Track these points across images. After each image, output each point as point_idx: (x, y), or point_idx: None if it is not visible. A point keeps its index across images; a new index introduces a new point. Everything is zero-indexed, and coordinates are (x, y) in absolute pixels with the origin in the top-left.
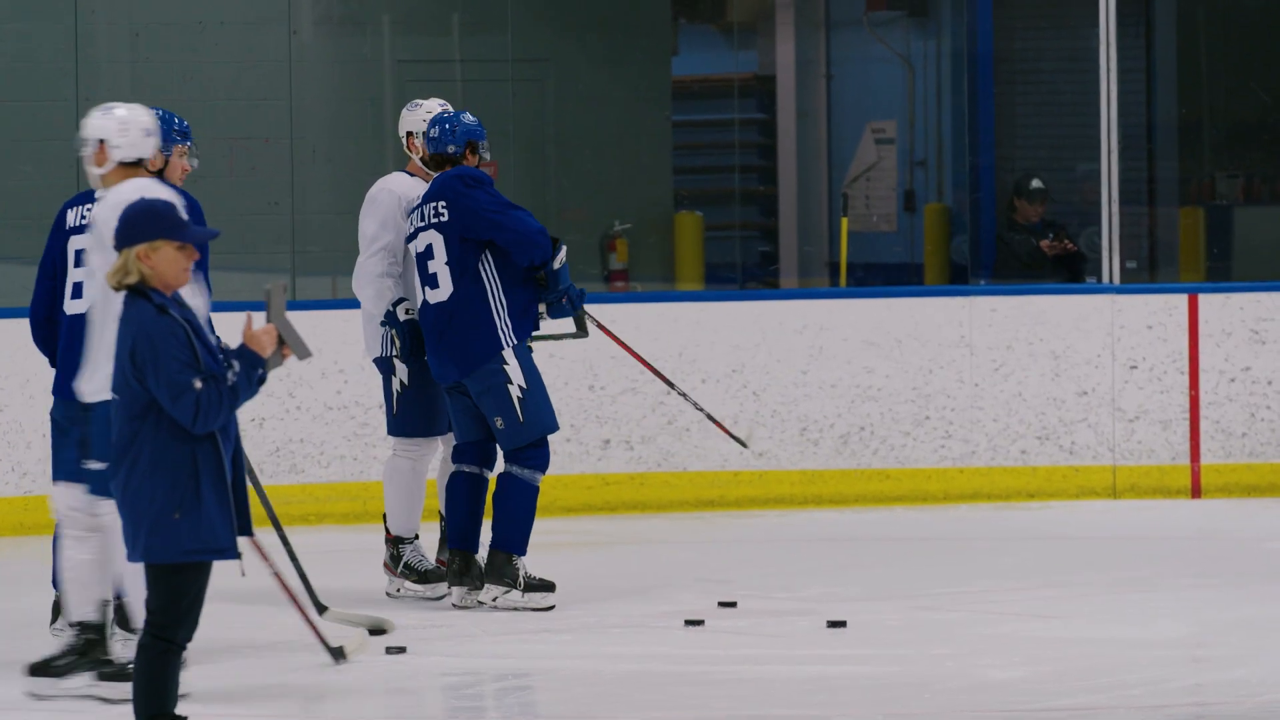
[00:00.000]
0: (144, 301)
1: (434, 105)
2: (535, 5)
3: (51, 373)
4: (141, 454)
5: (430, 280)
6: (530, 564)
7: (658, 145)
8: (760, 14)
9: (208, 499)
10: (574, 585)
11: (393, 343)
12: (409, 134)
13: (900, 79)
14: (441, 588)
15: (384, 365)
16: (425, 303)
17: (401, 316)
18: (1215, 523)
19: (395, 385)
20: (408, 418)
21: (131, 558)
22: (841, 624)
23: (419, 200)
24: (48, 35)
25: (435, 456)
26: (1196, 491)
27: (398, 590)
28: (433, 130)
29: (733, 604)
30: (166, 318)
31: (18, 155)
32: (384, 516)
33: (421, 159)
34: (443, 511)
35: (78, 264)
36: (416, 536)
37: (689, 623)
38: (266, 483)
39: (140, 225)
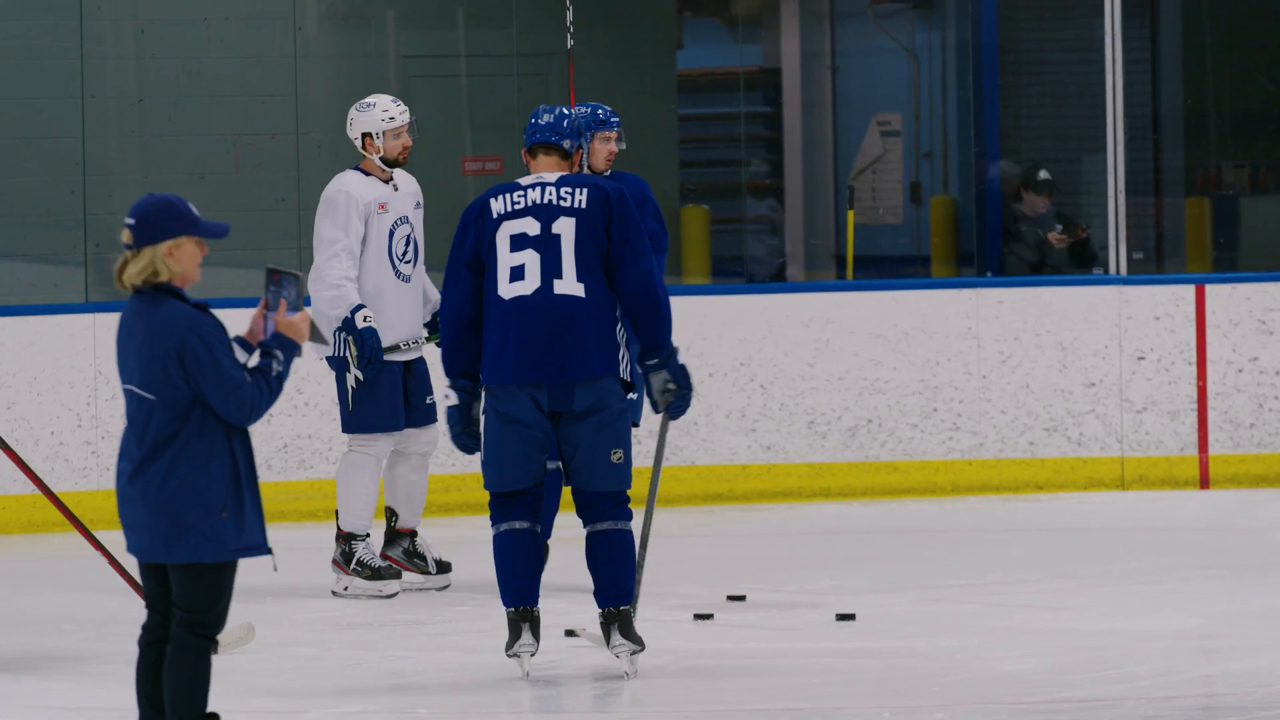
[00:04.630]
0: (177, 301)
1: (386, 103)
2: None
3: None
4: (184, 453)
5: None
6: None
7: (663, 139)
8: (765, 7)
9: (246, 495)
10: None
11: (348, 348)
12: (366, 135)
13: (905, 71)
14: (393, 585)
15: (337, 363)
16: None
17: (360, 324)
18: (1223, 513)
19: (350, 381)
20: (365, 414)
21: (171, 558)
22: (851, 617)
23: (375, 201)
24: (52, 33)
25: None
26: (1205, 482)
27: (344, 588)
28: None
29: (741, 597)
30: (209, 315)
31: (23, 153)
32: (335, 514)
33: (382, 159)
34: (392, 507)
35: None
36: (368, 534)
37: (698, 616)
38: (276, 479)
39: (164, 221)
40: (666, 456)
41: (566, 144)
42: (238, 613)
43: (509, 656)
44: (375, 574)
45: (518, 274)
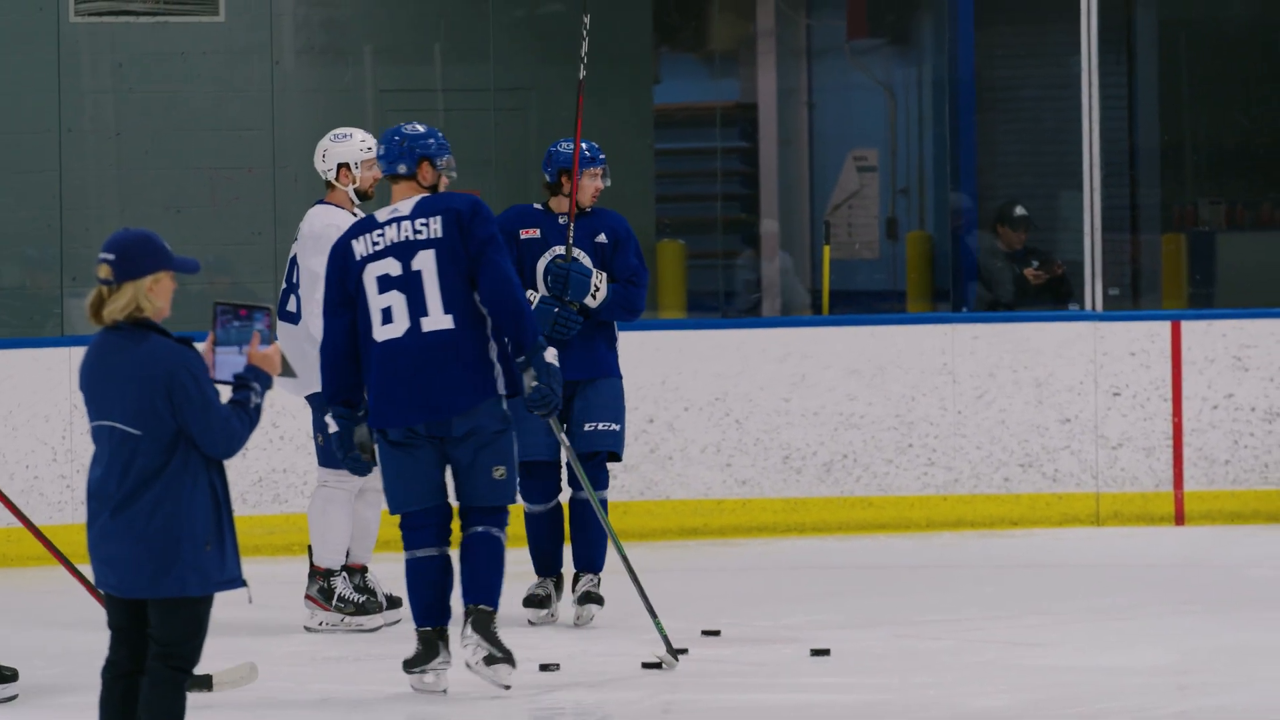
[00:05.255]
0: (159, 336)
1: (362, 133)
2: (517, 35)
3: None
4: (169, 487)
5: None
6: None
7: (640, 173)
8: (741, 42)
9: (225, 529)
10: (552, 616)
11: None
12: (343, 165)
13: (882, 107)
14: (375, 619)
15: (318, 397)
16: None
17: None
18: (1198, 550)
19: None
20: None
21: (156, 593)
22: (825, 652)
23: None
24: (30, 66)
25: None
26: (1180, 519)
27: (320, 624)
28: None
29: (716, 632)
30: (193, 350)
31: (1, 187)
32: (309, 549)
33: (355, 190)
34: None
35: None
36: (343, 568)
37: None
38: (251, 512)
39: (144, 257)
40: (642, 490)
41: (403, 168)
42: (211, 647)
43: (411, 672)
44: (359, 609)
45: (387, 317)
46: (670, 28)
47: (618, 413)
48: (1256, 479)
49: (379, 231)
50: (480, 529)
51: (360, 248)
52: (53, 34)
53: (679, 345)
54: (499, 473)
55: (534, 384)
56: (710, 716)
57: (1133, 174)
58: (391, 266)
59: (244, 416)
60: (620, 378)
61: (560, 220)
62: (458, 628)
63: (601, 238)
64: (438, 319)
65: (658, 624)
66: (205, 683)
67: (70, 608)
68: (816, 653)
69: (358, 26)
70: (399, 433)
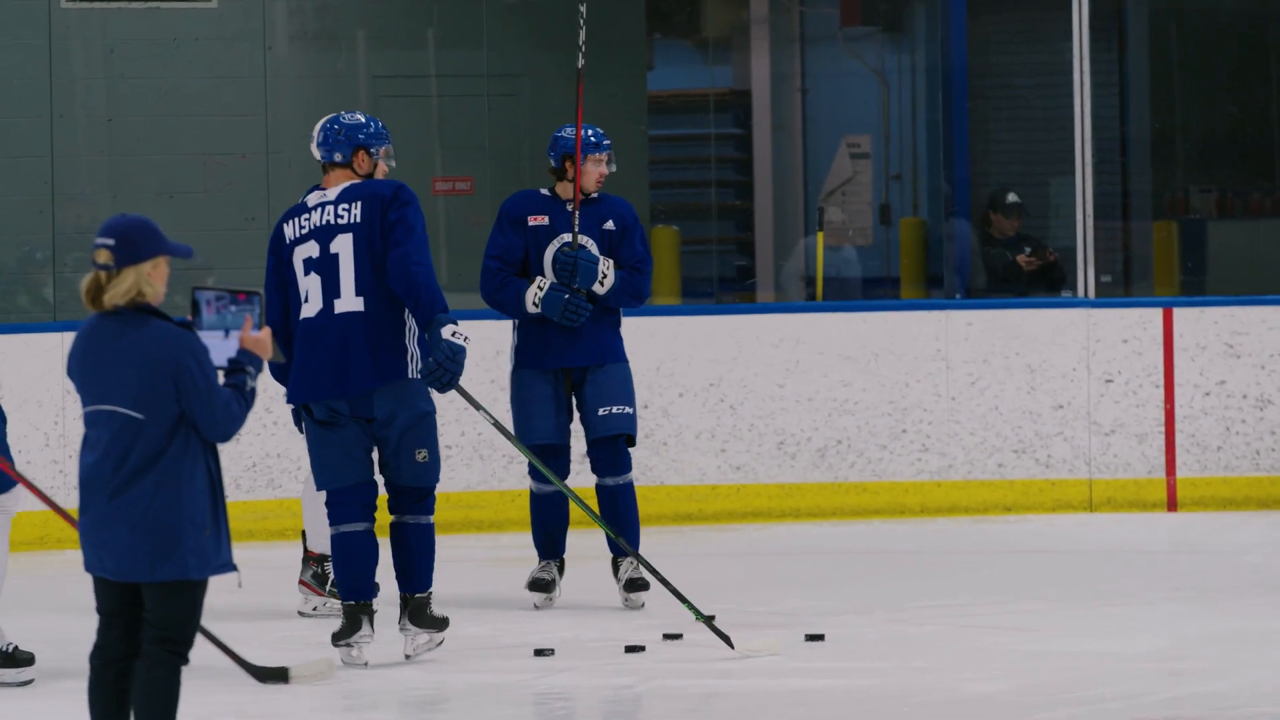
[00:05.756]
0: (161, 320)
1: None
2: (510, 20)
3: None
4: (169, 471)
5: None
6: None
7: (634, 160)
8: (735, 29)
9: (220, 512)
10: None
11: None
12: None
13: (875, 94)
14: None
15: None
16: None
17: None
18: (1191, 536)
19: None
20: None
21: (156, 576)
22: (820, 637)
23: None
24: (22, 52)
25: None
26: (1172, 505)
27: (313, 609)
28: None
29: (710, 617)
30: (194, 334)
31: None
32: (302, 534)
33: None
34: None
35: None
36: None
37: (666, 636)
38: (244, 498)
39: (143, 241)
40: (636, 476)
41: (338, 156)
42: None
43: (338, 645)
44: None
45: (307, 298)
46: (664, 14)
47: (629, 396)
48: (1248, 465)
49: (306, 216)
50: (410, 519)
51: (290, 232)
52: (44, 19)
53: (673, 331)
54: (421, 455)
55: (429, 359)
56: (704, 701)
57: (1124, 162)
58: (313, 249)
59: (241, 400)
60: (627, 362)
61: (568, 208)
62: (385, 606)
63: (610, 224)
64: (349, 301)
65: (687, 603)
66: (282, 675)
67: (74, 593)
68: (811, 638)
69: (351, 12)
70: (323, 411)
